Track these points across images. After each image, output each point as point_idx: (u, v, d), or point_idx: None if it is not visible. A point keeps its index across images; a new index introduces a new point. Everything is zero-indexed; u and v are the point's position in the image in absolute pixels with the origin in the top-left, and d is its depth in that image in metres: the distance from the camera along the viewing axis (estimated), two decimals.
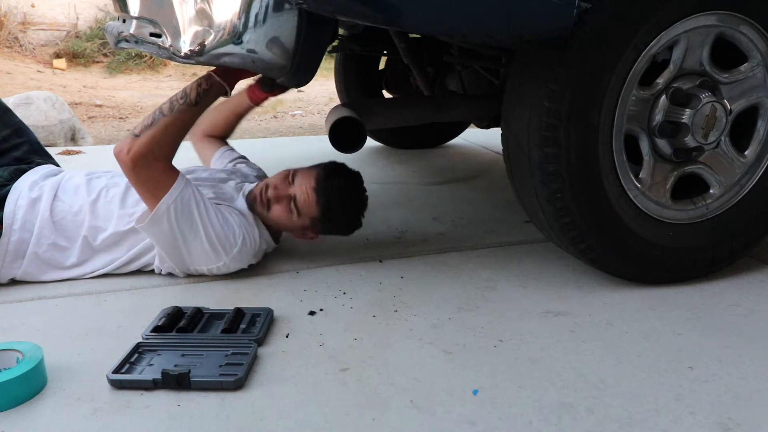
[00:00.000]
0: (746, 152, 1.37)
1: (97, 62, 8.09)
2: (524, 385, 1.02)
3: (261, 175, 1.76)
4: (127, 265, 1.45)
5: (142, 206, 1.38)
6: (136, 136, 1.29)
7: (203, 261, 1.39)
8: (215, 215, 1.37)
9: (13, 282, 1.41)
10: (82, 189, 1.46)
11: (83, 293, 1.37)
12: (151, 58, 7.90)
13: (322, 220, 1.47)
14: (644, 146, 1.30)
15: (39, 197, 1.42)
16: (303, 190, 1.44)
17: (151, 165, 1.29)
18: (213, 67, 1.36)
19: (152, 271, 1.47)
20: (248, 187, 1.58)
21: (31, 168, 1.53)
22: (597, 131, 1.22)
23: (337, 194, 1.45)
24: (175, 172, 1.35)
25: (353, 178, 1.53)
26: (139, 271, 1.47)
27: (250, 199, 1.50)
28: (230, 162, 1.80)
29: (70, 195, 1.44)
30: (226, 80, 1.35)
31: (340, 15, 1.10)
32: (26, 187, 1.43)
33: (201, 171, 1.64)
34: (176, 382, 1.00)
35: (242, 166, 1.76)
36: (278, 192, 1.46)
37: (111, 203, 1.44)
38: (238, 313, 1.21)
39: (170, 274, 1.45)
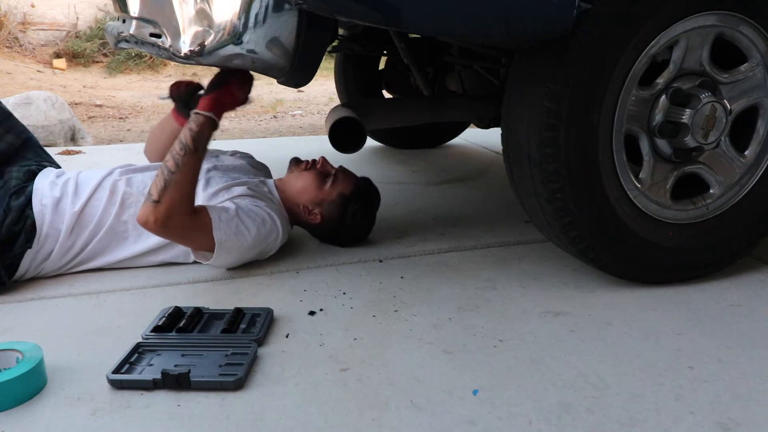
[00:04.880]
0: (746, 152, 1.37)
1: (97, 62, 8.09)
2: (524, 385, 1.02)
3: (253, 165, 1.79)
4: (154, 252, 1.48)
5: None
6: (156, 202, 1.27)
7: (258, 258, 1.51)
8: (251, 219, 1.43)
9: (13, 282, 1.40)
10: (105, 187, 1.46)
11: (83, 293, 1.37)
12: (151, 58, 7.91)
13: (342, 203, 1.59)
14: (644, 146, 1.30)
15: (61, 196, 1.43)
16: (349, 174, 1.64)
17: (180, 221, 1.30)
18: (213, 72, 1.36)
19: (152, 271, 1.47)
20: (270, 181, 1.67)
21: (39, 167, 1.54)
22: (597, 131, 1.22)
23: (371, 197, 1.66)
24: (204, 211, 1.35)
25: (378, 204, 1.71)
26: (139, 272, 1.47)
27: (295, 160, 1.67)
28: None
29: (88, 192, 1.45)
30: (213, 111, 1.32)
31: (340, 15, 1.10)
32: (47, 186, 1.44)
33: (223, 159, 1.68)
34: (176, 382, 1.00)
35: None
36: (325, 166, 1.65)
37: (133, 195, 1.46)
38: (238, 313, 1.21)
39: (171, 272, 1.46)
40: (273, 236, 1.48)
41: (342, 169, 1.65)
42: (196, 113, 1.31)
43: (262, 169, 1.76)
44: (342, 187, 1.60)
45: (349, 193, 1.60)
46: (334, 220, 1.60)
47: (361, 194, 1.62)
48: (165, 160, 1.30)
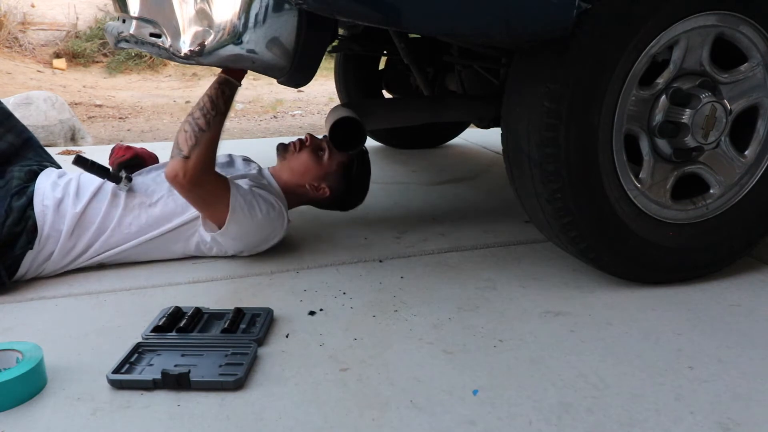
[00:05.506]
0: (746, 152, 1.37)
1: (97, 62, 8.09)
2: (524, 385, 1.02)
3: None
4: (153, 243, 1.49)
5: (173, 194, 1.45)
6: (187, 158, 1.33)
7: (262, 245, 1.54)
8: (263, 200, 1.47)
9: (14, 282, 1.40)
10: (106, 189, 1.46)
11: (83, 293, 1.37)
12: (151, 58, 7.90)
13: (344, 171, 1.64)
14: (644, 146, 1.30)
15: (62, 198, 1.43)
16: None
17: (205, 180, 1.37)
18: (213, 71, 1.37)
19: (152, 271, 1.47)
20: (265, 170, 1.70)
21: (41, 167, 1.54)
22: (597, 131, 1.22)
23: (363, 159, 1.70)
24: (224, 178, 1.43)
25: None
26: (139, 272, 1.47)
27: (282, 145, 1.67)
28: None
29: (89, 193, 1.45)
30: (241, 76, 1.39)
31: (340, 15, 1.10)
32: (48, 187, 1.44)
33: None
34: (176, 382, 1.00)
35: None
36: (314, 140, 1.66)
37: (135, 197, 1.47)
38: (238, 313, 1.21)
39: (171, 272, 1.46)
40: (279, 222, 1.51)
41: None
42: (226, 78, 1.36)
43: (252, 162, 1.77)
44: (339, 156, 1.64)
45: (346, 159, 1.65)
46: (342, 189, 1.66)
47: (357, 156, 1.68)
48: (195, 119, 1.35)
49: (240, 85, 1.38)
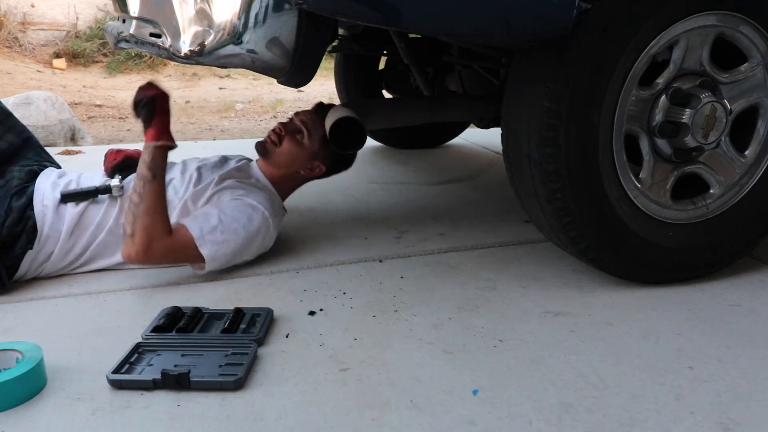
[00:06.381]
0: (746, 152, 1.37)
1: (97, 62, 8.09)
2: (524, 385, 1.02)
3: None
4: None
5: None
6: (131, 235, 1.32)
7: (261, 248, 1.51)
8: (236, 222, 1.42)
9: (13, 282, 1.40)
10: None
11: (83, 293, 1.37)
12: (150, 58, 7.91)
13: (329, 142, 1.59)
14: (644, 146, 1.30)
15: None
16: (309, 114, 1.63)
17: (160, 246, 1.34)
18: (213, 71, 1.36)
19: (152, 271, 1.47)
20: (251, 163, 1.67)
21: (41, 167, 1.54)
22: (597, 131, 1.22)
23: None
24: (183, 229, 1.38)
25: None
26: (139, 272, 1.47)
27: (260, 145, 1.62)
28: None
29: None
30: (162, 138, 1.36)
31: (340, 15, 1.10)
32: (48, 187, 1.44)
33: (209, 159, 1.66)
34: (176, 382, 1.00)
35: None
36: (286, 126, 1.62)
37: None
38: (238, 313, 1.21)
39: (171, 272, 1.46)
40: (264, 229, 1.48)
41: (302, 115, 1.64)
42: (146, 146, 1.36)
43: (244, 158, 1.74)
44: (317, 131, 1.61)
45: (326, 130, 1.61)
46: (334, 158, 1.65)
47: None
48: (130, 197, 1.35)
49: (168, 146, 1.36)
